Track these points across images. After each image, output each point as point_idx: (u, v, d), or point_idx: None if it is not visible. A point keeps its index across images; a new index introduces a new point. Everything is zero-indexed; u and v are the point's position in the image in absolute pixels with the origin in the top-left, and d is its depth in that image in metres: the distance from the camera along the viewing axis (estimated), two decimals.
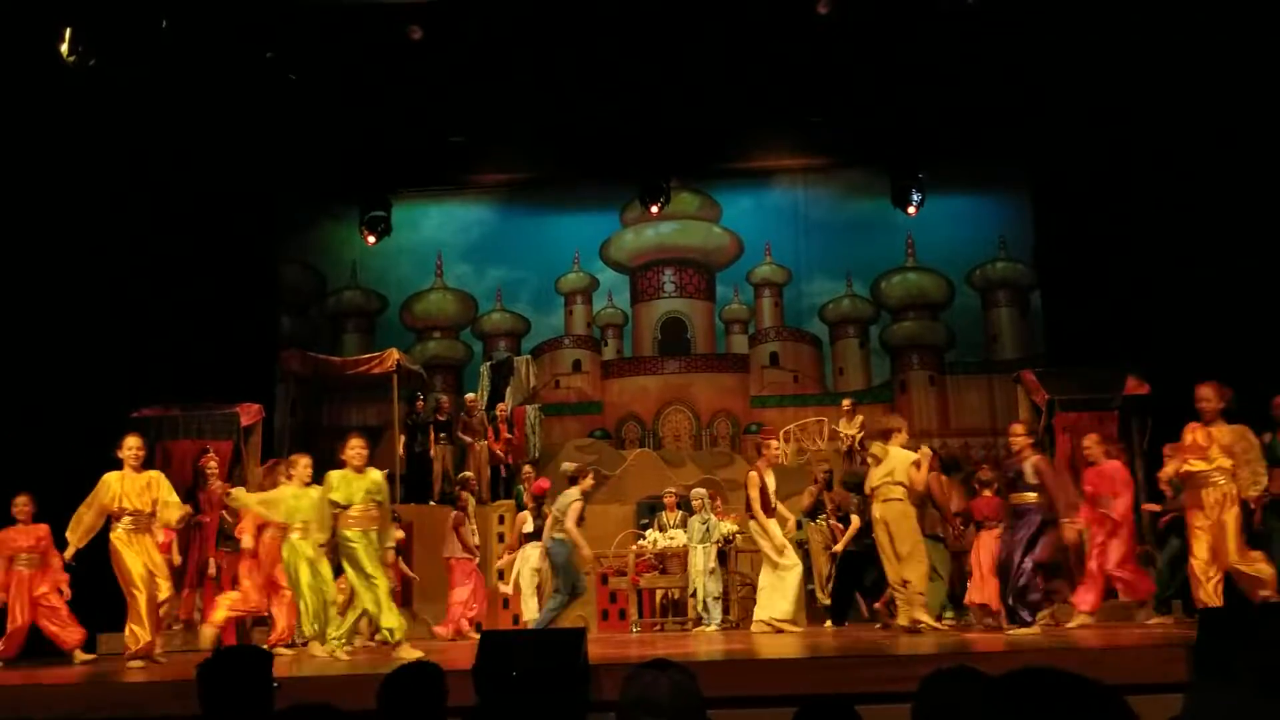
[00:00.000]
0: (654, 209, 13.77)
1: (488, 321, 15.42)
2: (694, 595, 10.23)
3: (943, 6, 10.31)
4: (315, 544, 7.84)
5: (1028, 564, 7.51)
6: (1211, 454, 7.20)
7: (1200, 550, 7.23)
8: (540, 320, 15.37)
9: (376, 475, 7.83)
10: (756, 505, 9.00)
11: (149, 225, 11.56)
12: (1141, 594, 8.53)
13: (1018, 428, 8.11)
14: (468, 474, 11.55)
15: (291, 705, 2.92)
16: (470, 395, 13.56)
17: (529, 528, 9.86)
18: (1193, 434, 7.35)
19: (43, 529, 8.73)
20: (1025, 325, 14.65)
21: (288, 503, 7.94)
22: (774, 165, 14.79)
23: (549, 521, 8.82)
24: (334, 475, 7.70)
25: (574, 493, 8.68)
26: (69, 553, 7.98)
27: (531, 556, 9.76)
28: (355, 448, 7.71)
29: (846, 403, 12.79)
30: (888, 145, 13.02)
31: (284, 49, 10.66)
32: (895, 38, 10.86)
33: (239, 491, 8.49)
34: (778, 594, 8.97)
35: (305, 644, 8.37)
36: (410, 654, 7.06)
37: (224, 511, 9.46)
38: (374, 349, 14.19)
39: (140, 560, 7.71)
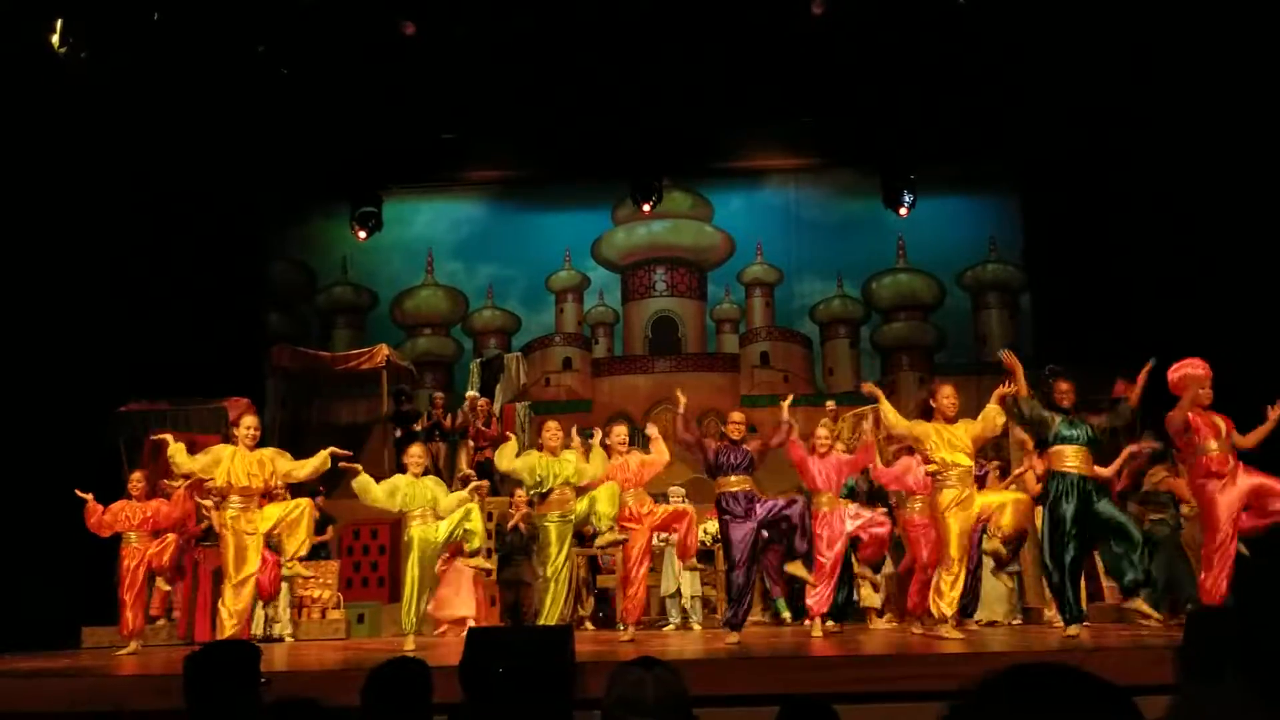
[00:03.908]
0: (646, 208, 13.77)
1: (478, 318, 15.40)
2: (674, 595, 10.27)
3: (935, 8, 10.33)
4: (433, 533, 7.91)
5: None
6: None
7: None
8: (531, 318, 15.36)
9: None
10: None
11: (138, 219, 11.53)
12: None
13: (737, 415, 8.19)
14: (468, 472, 11.55)
15: (278, 700, 2.91)
16: (473, 394, 13.54)
17: None
18: None
19: (155, 504, 8.88)
20: (1015, 327, 14.69)
21: (404, 490, 7.97)
22: (766, 165, 14.81)
23: None
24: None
25: None
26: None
27: None
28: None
29: (829, 404, 12.74)
30: (879, 146, 13.04)
31: (276, 43, 10.64)
32: (888, 39, 10.88)
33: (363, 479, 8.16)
34: None
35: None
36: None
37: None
38: (364, 345, 14.19)
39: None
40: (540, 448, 7.88)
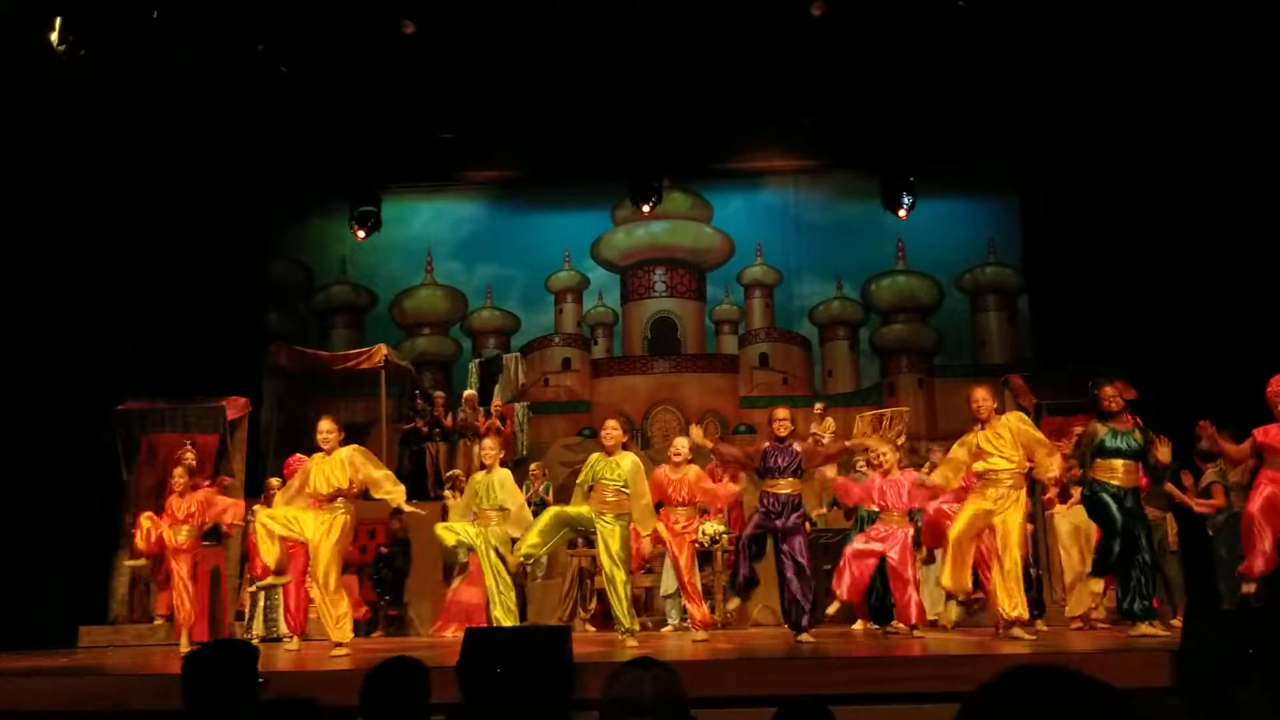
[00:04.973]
0: (645, 208, 13.75)
1: (477, 318, 15.39)
2: (674, 595, 10.26)
3: (934, 10, 10.33)
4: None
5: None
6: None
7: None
8: (530, 318, 15.35)
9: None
10: None
11: (137, 218, 11.52)
12: None
13: (781, 411, 7.93)
14: (456, 472, 11.54)
15: (275, 699, 2.91)
16: (469, 393, 13.52)
17: None
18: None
19: (200, 496, 8.79)
20: (1013, 329, 14.71)
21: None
22: (766, 166, 14.80)
23: None
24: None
25: None
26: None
27: None
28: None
29: (818, 406, 12.78)
30: (879, 148, 13.04)
31: (275, 42, 10.63)
32: (887, 41, 10.88)
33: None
34: None
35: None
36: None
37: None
38: (363, 345, 14.17)
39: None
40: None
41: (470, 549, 7.94)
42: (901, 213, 13.54)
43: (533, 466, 12.15)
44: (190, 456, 9.41)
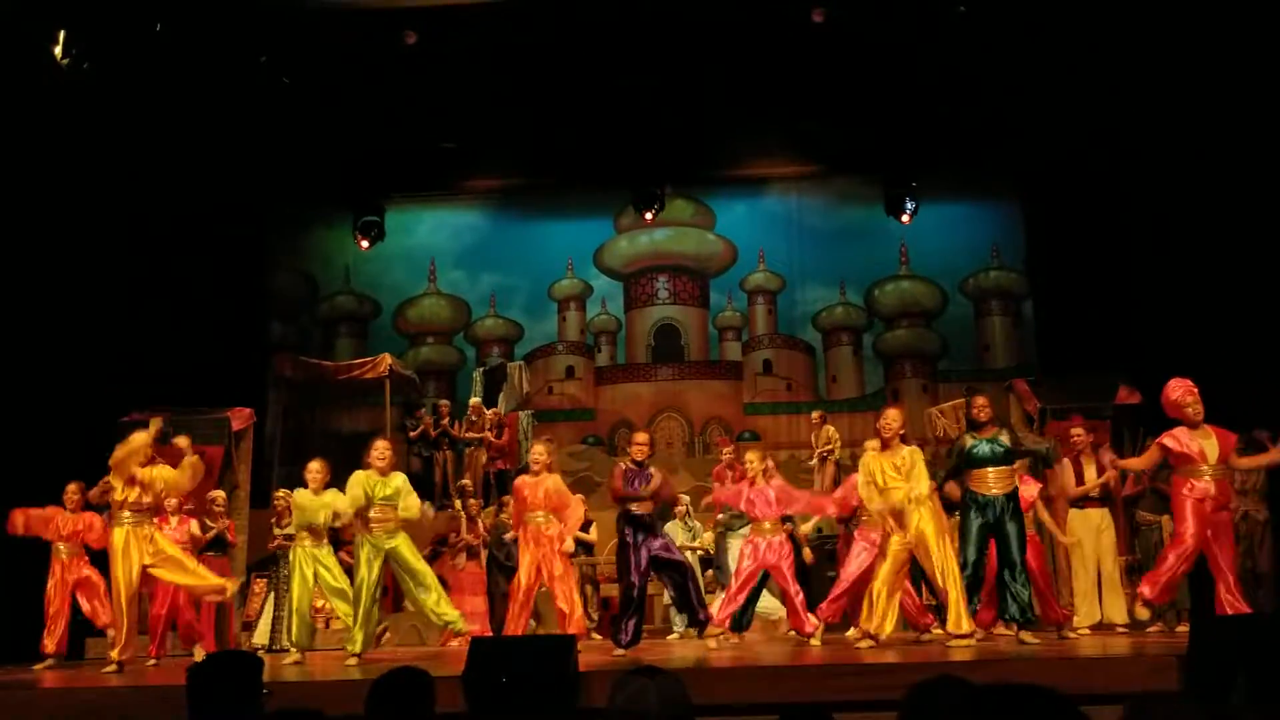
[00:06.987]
0: (648, 215, 13.76)
1: (481, 327, 15.41)
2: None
3: (935, 15, 10.34)
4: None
5: None
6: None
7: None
8: (534, 326, 15.37)
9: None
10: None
11: (142, 229, 11.54)
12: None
13: (641, 435, 8.10)
14: (465, 483, 11.53)
15: (278, 711, 2.91)
16: (475, 400, 13.51)
17: None
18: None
19: (88, 518, 8.80)
20: (1017, 334, 14.68)
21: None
22: (768, 172, 14.81)
23: None
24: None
25: None
26: None
27: None
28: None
29: (816, 415, 12.74)
30: (881, 153, 13.04)
31: (278, 53, 10.67)
32: (889, 47, 10.90)
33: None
34: None
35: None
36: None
37: (204, 517, 9.57)
38: (367, 354, 14.17)
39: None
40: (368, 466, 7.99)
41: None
42: (904, 217, 13.55)
43: None
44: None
